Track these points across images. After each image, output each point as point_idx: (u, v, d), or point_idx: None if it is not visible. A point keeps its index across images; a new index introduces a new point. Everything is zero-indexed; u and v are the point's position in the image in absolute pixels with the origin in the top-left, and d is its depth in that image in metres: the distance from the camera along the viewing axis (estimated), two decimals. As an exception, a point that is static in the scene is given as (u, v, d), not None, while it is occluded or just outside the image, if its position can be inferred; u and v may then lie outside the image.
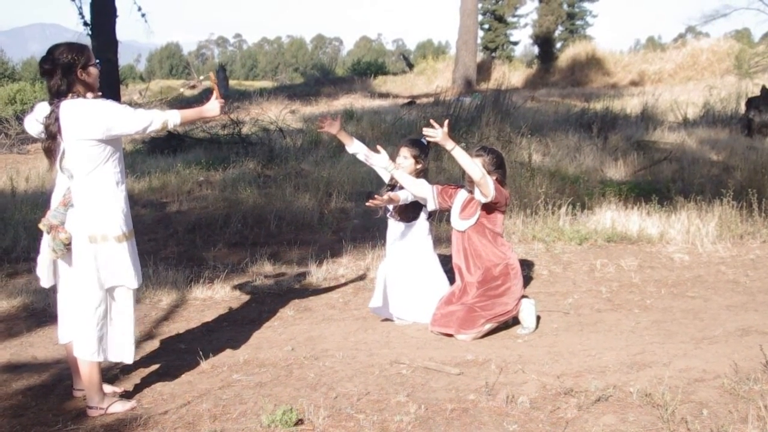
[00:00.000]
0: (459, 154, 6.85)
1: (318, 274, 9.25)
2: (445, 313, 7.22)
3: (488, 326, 7.10)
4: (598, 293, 8.50)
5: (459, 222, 7.32)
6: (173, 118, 5.53)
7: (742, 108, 21.61)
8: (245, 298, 8.52)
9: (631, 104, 25.55)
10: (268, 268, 9.53)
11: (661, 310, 7.90)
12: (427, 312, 7.42)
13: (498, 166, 7.21)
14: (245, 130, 19.48)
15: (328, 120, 7.67)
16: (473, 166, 6.87)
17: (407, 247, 7.56)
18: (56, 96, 5.29)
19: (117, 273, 5.37)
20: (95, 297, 5.35)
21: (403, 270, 7.53)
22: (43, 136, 5.33)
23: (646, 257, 9.97)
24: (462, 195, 7.37)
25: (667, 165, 15.40)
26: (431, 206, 7.43)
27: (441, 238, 10.01)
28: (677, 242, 10.53)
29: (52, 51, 5.32)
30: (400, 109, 24.73)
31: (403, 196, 7.33)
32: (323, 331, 7.35)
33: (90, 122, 5.17)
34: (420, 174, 7.48)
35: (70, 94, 5.28)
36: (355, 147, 7.78)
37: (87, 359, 5.40)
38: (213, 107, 5.79)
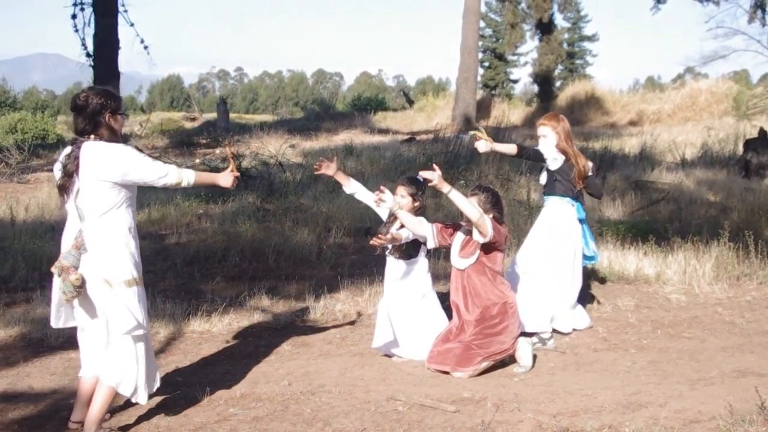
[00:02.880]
0: (455, 196, 6.90)
1: (316, 309, 9.25)
2: (442, 351, 7.24)
3: (485, 364, 7.11)
4: (595, 332, 8.51)
5: (458, 260, 7.35)
6: (188, 178, 5.61)
7: (740, 149, 21.68)
8: (243, 332, 8.52)
9: (629, 144, 25.65)
10: (265, 302, 9.54)
11: (657, 350, 7.91)
12: (424, 349, 7.44)
13: (494, 205, 7.26)
14: (245, 163, 19.50)
15: (325, 162, 7.71)
16: (470, 206, 6.92)
17: (406, 285, 7.58)
18: (80, 134, 5.39)
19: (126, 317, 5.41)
20: (128, 337, 5.45)
21: (402, 307, 7.55)
22: (59, 173, 5.38)
23: (643, 297, 9.99)
24: (461, 233, 7.40)
25: (665, 205, 15.45)
26: (431, 244, 7.46)
27: (439, 275, 10.03)
28: (674, 282, 10.55)
29: (87, 90, 5.47)
30: (400, 146, 24.82)
31: (405, 235, 7.36)
32: (320, 367, 7.35)
33: (109, 164, 5.28)
34: (418, 212, 7.51)
35: (93, 136, 5.36)
36: (352, 187, 7.85)
37: (126, 395, 5.57)
38: (226, 180, 5.90)
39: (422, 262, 7.62)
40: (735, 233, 11.57)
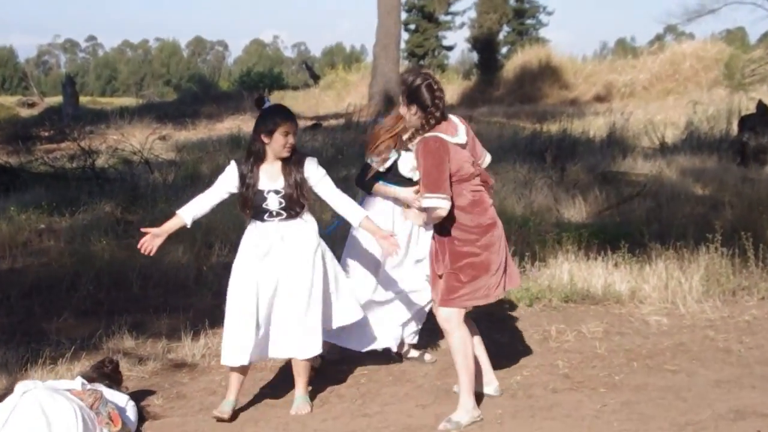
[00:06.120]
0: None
1: (194, 349, 9.19)
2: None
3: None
4: (554, 368, 8.56)
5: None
6: None
7: (734, 129, 22.02)
8: (98, 382, 8.44)
9: (595, 125, 25.98)
10: (128, 342, 9.45)
11: (633, 388, 7.97)
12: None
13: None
14: (100, 162, 19.35)
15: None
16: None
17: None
18: None
19: None
20: None
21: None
22: None
23: (614, 321, 10.08)
24: None
25: (640, 202, 15.62)
26: None
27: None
28: (653, 301, 10.64)
29: None
30: (303, 134, 24.80)
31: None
32: (201, 426, 7.32)
33: None
34: None
35: None
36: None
37: None
38: None
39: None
40: (729, 236, 11.68)
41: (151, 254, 7.67)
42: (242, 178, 7.57)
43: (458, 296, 7.23)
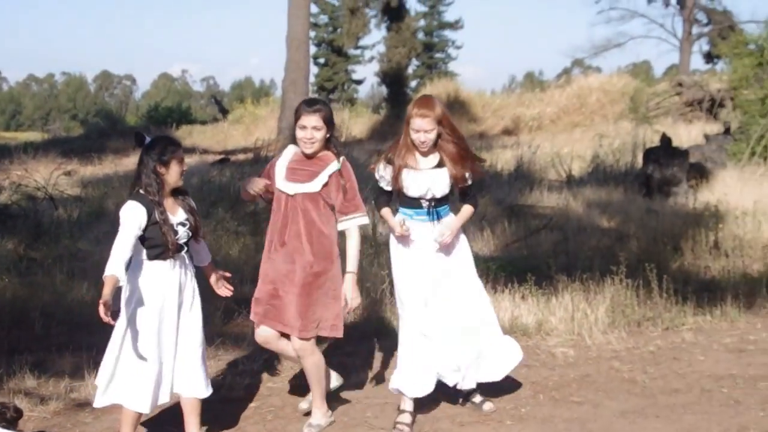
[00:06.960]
0: None
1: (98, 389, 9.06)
2: None
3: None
4: (459, 400, 8.57)
5: None
6: None
7: (640, 161, 22.25)
8: (-2, 424, 8.31)
9: (503, 158, 26.10)
10: (30, 382, 9.28)
11: (539, 420, 8.00)
12: None
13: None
14: (3, 198, 19.08)
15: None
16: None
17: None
18: None
19: None
20: None
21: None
22: None
23: (521, 353, 10.13)
24: None
25: (547, 235, 15.72)
26: None
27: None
28: (559, 333, 10.69)
29: None
30: (210, 169, 24.67)
31: None
32: (103, 468, 7.24)
33: None
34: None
35: None
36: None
37: None
38: None
39: None
40: (634, 267, 11.78)
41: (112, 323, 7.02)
42: (150, 215, 7.04)
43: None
